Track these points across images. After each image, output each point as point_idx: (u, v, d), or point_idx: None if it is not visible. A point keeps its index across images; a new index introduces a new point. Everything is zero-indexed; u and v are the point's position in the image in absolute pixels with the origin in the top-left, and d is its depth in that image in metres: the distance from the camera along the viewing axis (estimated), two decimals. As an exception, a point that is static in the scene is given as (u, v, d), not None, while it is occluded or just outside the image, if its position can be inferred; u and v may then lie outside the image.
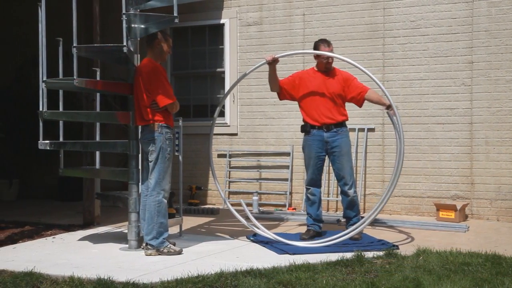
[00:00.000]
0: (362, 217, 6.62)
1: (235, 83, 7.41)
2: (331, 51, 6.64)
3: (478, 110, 8.06)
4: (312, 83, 6.67)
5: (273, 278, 4.86)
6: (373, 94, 6.66)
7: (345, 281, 4.80)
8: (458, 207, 7.62)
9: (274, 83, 6.84)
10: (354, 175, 6.72)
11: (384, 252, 5.81)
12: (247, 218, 6.76)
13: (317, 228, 6.72)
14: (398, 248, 6.02)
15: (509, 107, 7.90)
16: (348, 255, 5.60)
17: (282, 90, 6.85)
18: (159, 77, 5.96)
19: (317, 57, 6.71)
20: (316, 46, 6.72)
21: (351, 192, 6.60)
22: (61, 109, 6.57)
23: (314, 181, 6.73)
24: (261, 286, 4.63)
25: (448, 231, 7.03)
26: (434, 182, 8.20)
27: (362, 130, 8.66)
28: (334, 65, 6.80)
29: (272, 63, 6.67)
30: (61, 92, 6.58)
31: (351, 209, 6.67)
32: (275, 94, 9.08)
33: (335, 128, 6.59)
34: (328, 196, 8.80)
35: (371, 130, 8.63)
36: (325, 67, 6.68)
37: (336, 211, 8.76)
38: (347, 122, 6.71)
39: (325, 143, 6.60)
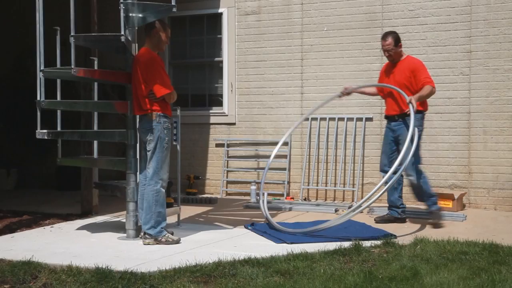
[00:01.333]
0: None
1: (319, 106, 7.76)
2: (384, 45, 6.82)
3: (476, 100, 8.06)
4: (384, 75, 7.01)
5: (271, 267, 4.87)
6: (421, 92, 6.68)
7: (342, 270, 4.82)
8: (456, 196, 7.64)
9: (371, 93, 7.28)
10: (417, 160, 6.75)
11: (381, 241, 5.82)
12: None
13: (393, 213, 6.91)
14: (395, 237, 6.03)
15: (508, 96, 7.90)
16: (346, 244, 5.61)
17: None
18: (156, 67, 5.95)
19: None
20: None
21: (411, 179, 6.73)
22: (58, 98, 6.56)
23: (381, 166, 7.06)
24: (259, 275, 4.64)
25: (446, 220, 7.04)
26: (432, 172, 8.21)
27: (360, 119, 8.66)
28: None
29: (346, 95, 7.07)
30: (58, 81, 6.56)
31: (416, 194, 6.90)
32: (273, 83, 9.15)
33: (399, 119, 6.82)
34: (326, 186, 8.81)
35: (369, 119, 8.63)
36: (388, 59, 6.95)
37: (334, 200, 8.77)
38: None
39: (392, 131, 6.89)
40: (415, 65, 6.78)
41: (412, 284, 4.41)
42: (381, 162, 7.13)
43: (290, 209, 7.98)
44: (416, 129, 6.44)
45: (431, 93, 6.71)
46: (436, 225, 6.70)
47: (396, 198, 6.99)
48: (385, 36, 6.89)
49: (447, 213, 7.21)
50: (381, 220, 6.95)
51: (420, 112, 6.70)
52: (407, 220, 7.04)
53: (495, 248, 5.49)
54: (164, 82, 5.93)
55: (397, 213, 6.96)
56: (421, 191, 6.81)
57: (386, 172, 6.70)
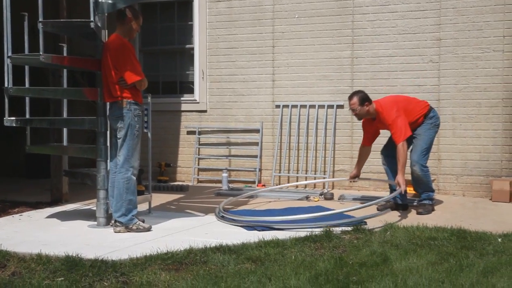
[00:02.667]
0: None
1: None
2: (349, 104, 6.88)
3: (445, 87, 8.14)
4: (367, 125, 7.14)
5: (242, 254, 4.89)
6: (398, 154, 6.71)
7: (313, 257, 4.85)
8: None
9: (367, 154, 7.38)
10: (427, 153, 6.88)
11: (352, 227, 5.87)
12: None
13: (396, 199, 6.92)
14: (366, 224, 6.09)
15: (476, 84, 8.00)
16: (317, 230, 5.65)
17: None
18: (127, 54, 5.90)
19: None
20: None
21: (414, 168, 6.78)
22: (27, 85, 6.47)
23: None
24: (230, 262, 4.65)
25: (415, 206, 7.11)
26: (402, 158, 8.28)
27: (331, 106, 8.69)
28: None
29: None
30: (27, 68, 6.47)
31: (414, 184, 7.04)
32: (244, 70, 9.16)
33: None
34: (297, 173, 8.85)
35: (340, 106, 8.67)
36: (356, 117, 7.09)
37: (305, 187, 8.82)
38: None
39: None
40: (387, 122, 6.75)
41: (382, 269, 4.47)
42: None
43: (258, 196, 8.00)
44: (427, 126, 6.87)
45: (405, 154, 6.66)
46: (421, 213, 6.74)
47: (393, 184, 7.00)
48: (351, 96, 6.89)
49: (417, 199, 7.28)
50: (383, 207, 6.89)
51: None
52: (409, 206, 7.00)
53: (463, 233, 5.57)
54: (135, 69, 5.89)
55: (399, 199, 6.97)
56: (421, 182, 6.90)
57: (386, 156, 7.02)
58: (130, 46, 5.98)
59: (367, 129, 7.11)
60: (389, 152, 6.91)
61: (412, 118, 6.81)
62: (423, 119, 6.90)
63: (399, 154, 6.62)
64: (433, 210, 6.90)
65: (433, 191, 7.05)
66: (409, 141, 6.87)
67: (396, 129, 6.67)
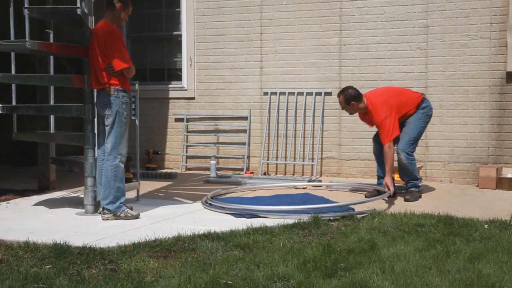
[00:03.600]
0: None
1: None
2: (339, 101, 6.96)
3: (433, 74, 8.16)
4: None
5: (231, 241, 4.89)
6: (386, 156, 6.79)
7: (301, 243, 4.87)
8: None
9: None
10: (414, 142, 6.92)
11: (340, 214, 5.89)
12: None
13: (382, 186, 6.90)
14: (353, 210, 6.11)
15: (463, 71, 8.02)
16: (305, 217, 5.66)
17: None
18: (115, 40, 5.86)
19: None
20: None
21: (400, 156, 6.81)
22: (13, 72, 6.42)
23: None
24: (218, 249, 4.66)
25: (403, 193, 7.15)
26: (390, 146, 8.30)
27: (319, 94, 8.70)
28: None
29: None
30: (13, 54, 6.42)
31: (400, 171, 7.01)
32: (232, 57, 9.13)
33: None
34: (285, 160, 8.86)
35: (328, 94, 8.67)
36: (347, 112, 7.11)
37: (294, 174, 8.83)
38: None
39: None
40: (376, 121, 6.82)
41: (369, 256, 4.49)
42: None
43: (247, 183, 8.01)
44: (418, 115, 6.90)
45: (391, 155, 6.72)
46: (409, 200, 6.77)
47: (378, 171, 7.13)
48: (338, 94, 6.95)
49: (404, 185, 7.30)
50: (371, 195, 6.91)
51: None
52: (397, 194, 6.94)
53: (450, 220, 5.61)
54: (123, 56, 5.86)
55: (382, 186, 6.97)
56: (406, 171, 6.91)
57: (375, 142, 7.10)
58: (118, 33, 5.95)
59: (364, 120, 7.17)
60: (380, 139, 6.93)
61: (404, 110, 6.85)
62: (415, 110, 6.92)
63: (385, 156, 6.72)
64: (420, 197, 6.93)
65: (417, 179, 7.03)
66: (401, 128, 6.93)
67: (383, 129, 6.74)
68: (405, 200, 6.78)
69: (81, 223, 5.71)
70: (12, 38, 6.12)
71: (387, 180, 6.69)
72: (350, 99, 6.80)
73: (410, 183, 6.98)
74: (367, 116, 6.98)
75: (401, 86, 8.19)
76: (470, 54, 7.97)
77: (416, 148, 7.01)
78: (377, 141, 7.03)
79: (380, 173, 7.11)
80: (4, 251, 4.65)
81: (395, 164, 6.89)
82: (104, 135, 5.95)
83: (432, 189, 7.55)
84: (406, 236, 5.07)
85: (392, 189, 6.66)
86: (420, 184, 7.08)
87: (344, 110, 7.11)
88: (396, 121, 6.74)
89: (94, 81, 5.93)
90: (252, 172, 8.93)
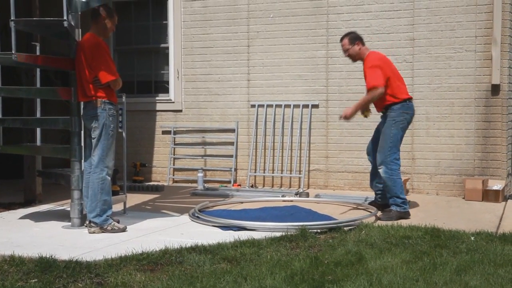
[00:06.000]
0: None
1: None
2: (341, 45, 6.87)
3: (419, 87, 8.21)
4: None
5: (218, 254, 4.88)
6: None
7: (289, 256, 4.86)
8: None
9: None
10: (391, 152, 6.62)
11: (327, 226, 5.89)
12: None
13: (376, 199, 6.91)
14: (341, 223, 6.10)
15: (449, 83, 8.08)
16: (292, 230, 5.66)
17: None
18: (101, 53, 5.86)
19: None
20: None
21: (380, 170, 6.65)
22: (-1, 84, 6.40)
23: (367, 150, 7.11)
24: (206, 262, 4.65)
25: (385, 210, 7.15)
26: (377, 158, 8.33)
27: (306, 106, 8.72)
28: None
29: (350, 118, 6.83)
30: (-1, 67, 6.40)
31: (386, 189, 6.67)
32: (220, 70, 9.14)
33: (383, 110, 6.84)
34: (272, 172, 8.86)
35: (315, 106, 8.69)
36: (350, 58, 6.98)
37: (281, 186, 8.84)
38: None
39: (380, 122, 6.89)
40: (365, 66, 6.75)
41: (357, 268, 4.49)
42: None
43: (234, 196, 8.00)
44: (389, 122, 6.64)
45: (372, 97, 6.63)
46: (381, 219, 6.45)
47: (374, 185, 6.99)
48: (342, 37, 6.91)
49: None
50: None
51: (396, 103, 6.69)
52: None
53: (437, 232, 5.63)
54: (110, 68, 5.86)
55: (376, 198, 6.98)
56: (386, 187, 6.64)
57: (370, 156, 6.99)
58: (104, 45, 5.95)
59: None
60: (374, 147, 6.88)
61: (390, 91, 6.62)
62: (389, 105, 6.65)
63: (367, 94, 6.65)
64: (400, 217, 6.39)
65: (399, 197, 6.53)
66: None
67: (369, 74, 6.60)
68: (378, 218, 6.46)
69: (67, 237, 5.67)
70: (-2, 50, 6.10)
71: (347, 109, 6.73)
72: (356, 38, 6.79)
73: (391, 200, 6.60)
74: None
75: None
76: (456, 66, 8.03)
77: (402, 160, 6.93)
78: (372, 148, 6.93)
79: (373, 186, 7.02)
80: (-11, 265, 4.61)
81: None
82: (90, 148, 5.93)
83: (418, 201, 7.57)
84: (393, 248, 5.08)
85: (344, 115, 6.64)
86: (402, 203, 6.54)
87: (346, 56, 6.94)
88: (380, 72, 6.55)
89: (81, 94, 5.92)
90: (240, 185, 8.93)
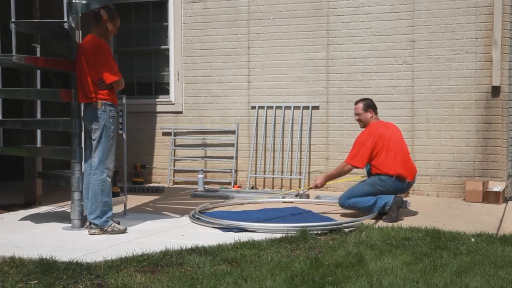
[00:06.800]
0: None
1: None
2: (355, 108, 7.02)
3: (419, 88, 8.21)
4: None
5: (218, 255, 4.88)
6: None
7: (289, 257, 4.86)
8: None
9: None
10: (350, 196, 6.76)
11: (328, 228, 5.89)
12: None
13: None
14: (341, 224, 6.10)
15: (449, 85, 8.08)
16: (293, 231, 5.65)
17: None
18: (103, 54, 5.86)
19: None
20: None
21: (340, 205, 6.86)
22: None
23: None
24: (206, 264, 4.64)
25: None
26: (377, 159, 8.33)
27: (306, 108, 8.72)
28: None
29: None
30: (-1, 68, 6.41)
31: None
32: (220, 71, 9.16)
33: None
34: (273, 174, 8.86)
35: (315, 108, 8.70)
36: (359, 123, 7.10)
37: (281, 188, 8.83)
38: None
39: None
40: (358, 136, 6.86)
41: (357, 270, 4.49)
42: None
43: (234, 197, 8.00)
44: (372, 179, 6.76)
45: (341, 170, 6.79)
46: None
47: None
48: (357, 101, 7.05)
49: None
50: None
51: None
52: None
53: (437, 233, 5.63)
54: (112, 69, 5.87)
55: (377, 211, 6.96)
56: (363, 211, 6.62)
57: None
58: (106, 46, 5.95)
59: None
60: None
61: (373, 162, 6.71)
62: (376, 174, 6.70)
63: (338, 167, 6.86)
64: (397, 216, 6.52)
65: (377, 207, 6.54)
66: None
67: (353, 149, 6.76)
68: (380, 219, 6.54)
69: (67, 238, 5.67)
70: (-2, 52, 6.10)
71: (319, 178, 6.88)
72: (370, 106, 6.91)
73: (377, 208, 6.59)
74: None
75: (388, 101, 8.26)
76: (456, 68, 8.03)
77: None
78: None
79: None
80: (-10, 266, 4.60)
81: None
82: (91, 149, 5.93)
83: (419, 202, 7.57)
84: (394, 249, 5.08)
85: (315, 183, 6.79)
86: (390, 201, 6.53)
87: (356, 120, 7.05)
88: (367, 155, 6.65)
89: (82, 95, 5.92)
90: (240, 186, 8.92)
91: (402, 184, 6.68)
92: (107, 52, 5.92)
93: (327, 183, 6.98)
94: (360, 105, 6.95)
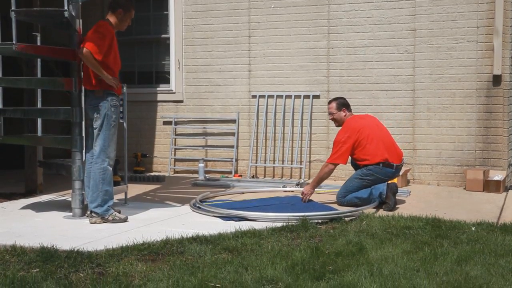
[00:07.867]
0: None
1: None
2: (328, 108, 7.15)
3: (420, 77, 8.20)
4: None
5: (219, 244, 4.89)
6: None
7: (290, 246, 4.87)
8: (401, 173, 7.77)
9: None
10: (346, 191, 6.81)
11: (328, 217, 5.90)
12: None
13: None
14: (342, 213, 6.11)
15: (450, 74, 8.06)
16: (293, 220, 5.66)
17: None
18: (100, 32, 5.75)
19: None
20: None
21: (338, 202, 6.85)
22: (0, 75, 6.38)
23: None
24: (207, 252, 4.65)
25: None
26: (378, 148, 8.32)
27: (307, 97, 8.71)
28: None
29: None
30: None
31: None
32: (221, 60, 9.14)
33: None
34: (273, 163, 8.87)
35: (316, 97, 8.69)
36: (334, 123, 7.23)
37: (282, 177, 8.84)
38: None
39: None
40: (336, 136, 6.91)
41: (357, 259, 4.50)
42: None
43: (235, 187, 8.01)
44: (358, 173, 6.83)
45: (324, 173, 6.80)
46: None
47: None
48: (330, 101, 7.16)
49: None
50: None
51: None
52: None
53: (438, 222, 5.64)
54: (98, 45, 5.70)
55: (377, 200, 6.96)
56: (358, 206, 6.57)
57: None
58: (110, 29, 5.86)
59: None
60: None
61: (360, 154, 6.77)
62: (363, 165, 6.76)
63: (320, 170, 6.88)
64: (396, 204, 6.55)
65: (374, 198, 6.57)
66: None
67: (333, 149, 6.84)
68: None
69: (68, 227, 5.68)
70: (-2, 40, 6.09)
71: (306, 187, 6.85)
72: (343, 105, 6.99)
73: (375, 199, 6.62)
74: None
75: (389, 90, 8.25)
76: (457, 57, 8.02)
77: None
78: None
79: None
80: (-9, 255, 4.62)
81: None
82: (92, 138, 5.93)
83: (420, 191, 7.58)
84: (394, 238, 5.09)
85: (305, 198, 6.74)
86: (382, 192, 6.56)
87: (331, 120, 7.18)
88: (347, 153, 6.74)
89: (86, 81, 5.87)
90: (241, 175, 8.93)
91: (390, 169, 6.75)
92: (107, 32, 5.79)
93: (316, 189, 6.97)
94: (333, 104, 7.03)
